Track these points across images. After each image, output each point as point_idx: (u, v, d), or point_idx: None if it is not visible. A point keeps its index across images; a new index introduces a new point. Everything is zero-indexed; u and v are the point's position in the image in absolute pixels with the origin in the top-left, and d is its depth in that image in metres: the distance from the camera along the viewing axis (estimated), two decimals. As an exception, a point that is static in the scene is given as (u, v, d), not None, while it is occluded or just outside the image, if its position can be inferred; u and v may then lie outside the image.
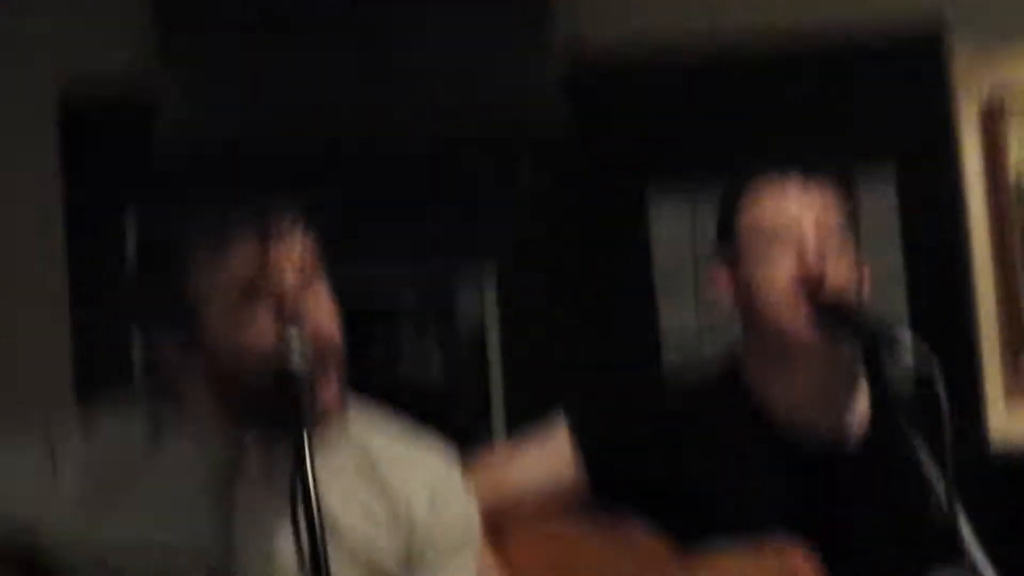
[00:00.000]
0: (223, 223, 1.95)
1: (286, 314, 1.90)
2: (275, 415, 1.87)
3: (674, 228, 3.84)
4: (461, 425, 3.63)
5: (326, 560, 1.69)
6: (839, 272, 2.33)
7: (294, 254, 1.96)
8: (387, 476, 2.06)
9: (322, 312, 1.95)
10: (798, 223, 2.36)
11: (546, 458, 2.48)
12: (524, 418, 3.06)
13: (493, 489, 2.42)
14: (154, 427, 2.05)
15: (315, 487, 1.71)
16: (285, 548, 1.97)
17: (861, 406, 2.46)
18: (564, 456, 2.45)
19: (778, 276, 2.33)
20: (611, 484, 2.48)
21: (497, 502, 2.39)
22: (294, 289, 1.94)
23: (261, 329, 1.90)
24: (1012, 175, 4.24)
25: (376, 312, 3.83)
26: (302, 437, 1.74)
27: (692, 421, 2.47)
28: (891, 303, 3.87)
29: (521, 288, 3.79)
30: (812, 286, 2.31)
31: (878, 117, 3.99)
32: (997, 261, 4.20)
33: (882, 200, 3.95)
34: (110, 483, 2.02)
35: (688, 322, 3.68)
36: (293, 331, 1.88)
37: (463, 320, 3.75)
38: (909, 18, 3.99)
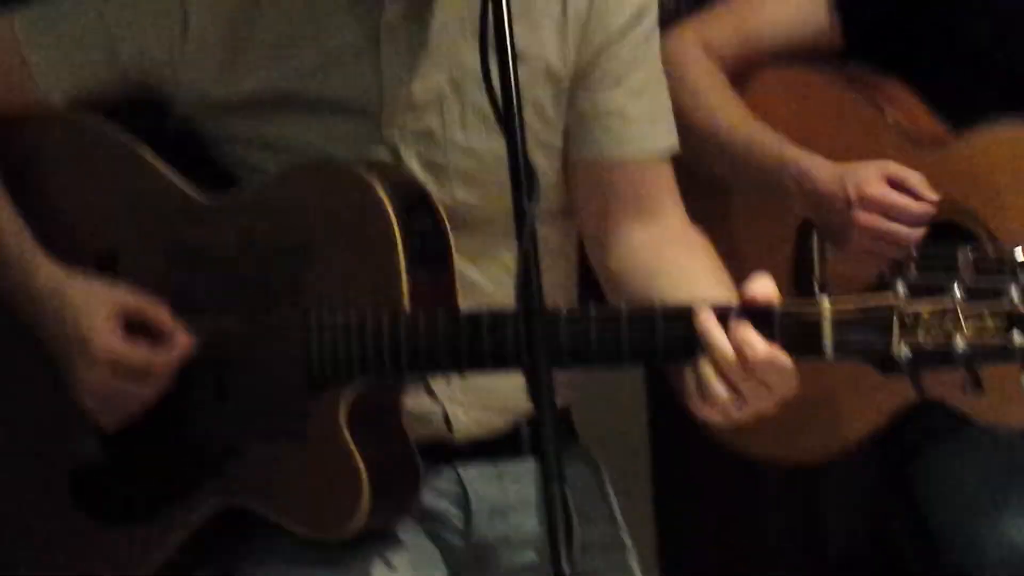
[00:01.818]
0: None
1: None
2: None
3: None
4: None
5: (516, 84, 1.64)
6: None
7: None
8: None
9: None
10: None
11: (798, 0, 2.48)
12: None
13: (742, 26, 2.46)
14: None
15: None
16: (444, 76, 1.99)
17: None
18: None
19: None
20: (870, 34, 2.44)
21: (747, 39, 2.45)
22: None
23: None
24: None
25: None
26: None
27: None
28: None
29: None
30: None
31: None
32: None
33: None
34: (240, 16, 2.01)
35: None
36: None
37: None
38: None
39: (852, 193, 2.27)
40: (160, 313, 1.93)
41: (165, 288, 1.97)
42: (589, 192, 2.07)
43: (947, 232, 2.30)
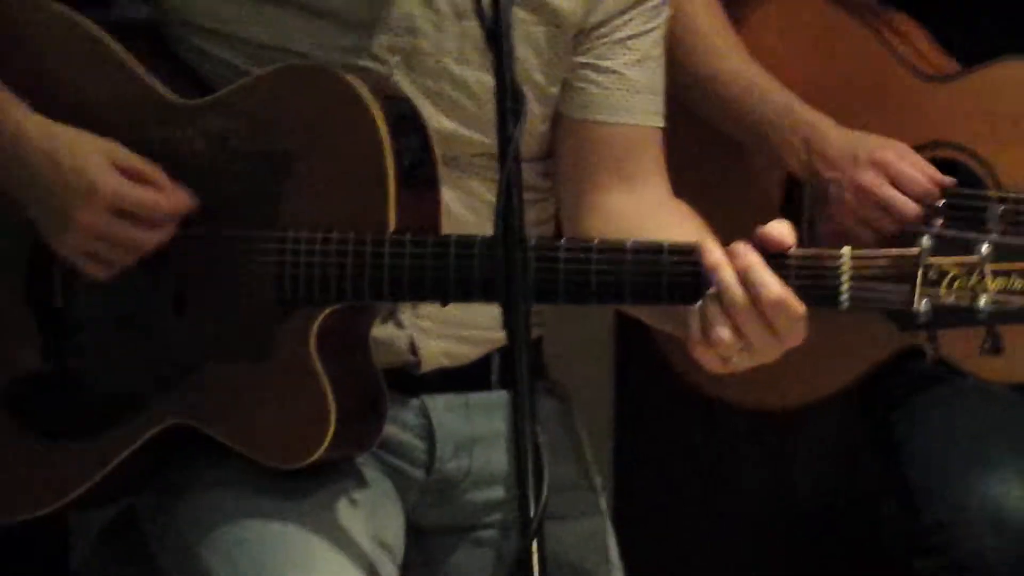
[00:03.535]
0: None
1: None
2: None
3: None
4: None
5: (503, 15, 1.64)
6: None
7: None
8: None
9: None
10: None
11: None
12: None
13: None
14: None
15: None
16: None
17: None
18: None
19: None
20: None
21: None
22: None
23: None
24: None
25: None
26: None
27: None
28: None
29: None
30: None
31: None
32: None
33: None
34: None
35: None
36: None
37: None
38: None
39: (863, 156, 2.29)
40: (156, 168, 1.91)
41: None
42: (574, 149, 2.09)
43: (950, 166, 2.29)
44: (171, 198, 1.93)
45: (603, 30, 2.03)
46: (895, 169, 2.29)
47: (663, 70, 2.10)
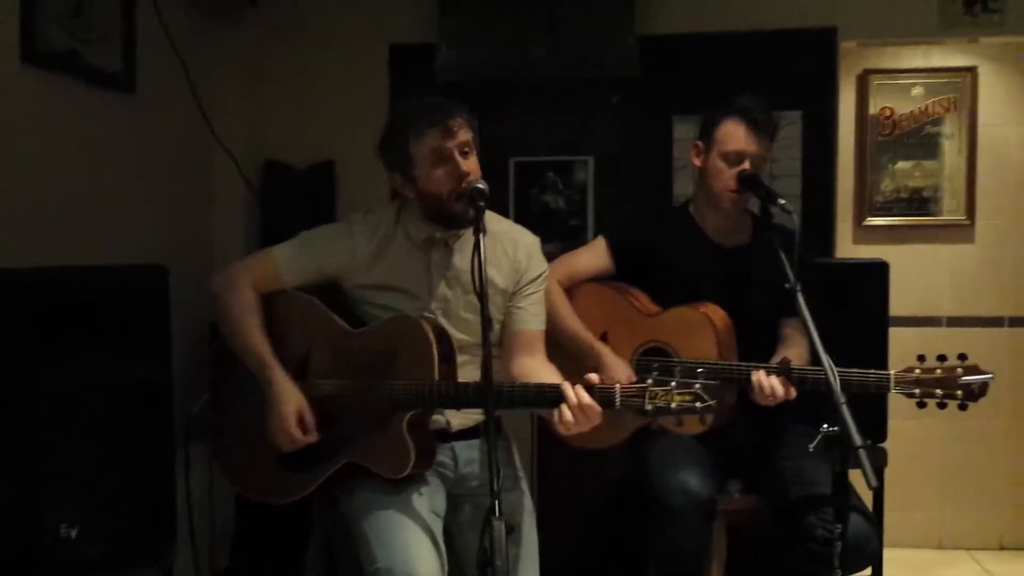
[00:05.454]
0: (429, 116, 2.73)
1: (461, 170, 2.71)
2: (457, 219, 2.76)
3: (684, 137, 4.74)
4: (571, 229, 4.67)
5: (484, 289, 2.40)
6: (759, 169, 3.29)
7: (466, 138, 2.73)
8: (507, 246, 2.89)
9: (477, 170, 2.73)
10: (745, 145, 3.28)
11: (596, 255, 3.49)
12: (598, 230, 4.26)
13: (570, 268, 3.47)
14: (395, 224, 2.89)
15: (483, 251, 2.41)
16: (456, 286, 2.81)
17: (747, 229, 3.44)
18: (604, 254, 3.47)
19: (727, 168, 3.29)
20: (626, 269, 3.47)
21: (572, 274, 3.46)
22: (464, 156, 2.72)
23: (445, 176, 2.70)
24: (870, 117, 5.31)
25: (535, 174, 4.71)
26: (479, 227, 2.48)
27: (666, 235, 3.43)
28: (790, 187, 4.69)
29: (606, 167, 4.79)
30: (743, 173, 3.25)
31: (795, 84, 4.71)
32: (857, 165, 5.20)
33: (793, 128, 4.71)
34: (376, 252, 2.84)
35: (687, 188, 4.56)
36: (469, 177, 2.70)
37: (577, 181, 4.68)
38: (817, 23, 4.73)
39: (615, 370, 3.15)
40: (311, 417, 2.73)
41: (331, 368, 2.76)
42: (509, 340, 2.93)
43: (658, 352, 3.27)
44: (308, 436, 2.71)
45: (519, 292, 2.89)
46: (627, 378, 2.91)
47: (544, 306, 2.92)
